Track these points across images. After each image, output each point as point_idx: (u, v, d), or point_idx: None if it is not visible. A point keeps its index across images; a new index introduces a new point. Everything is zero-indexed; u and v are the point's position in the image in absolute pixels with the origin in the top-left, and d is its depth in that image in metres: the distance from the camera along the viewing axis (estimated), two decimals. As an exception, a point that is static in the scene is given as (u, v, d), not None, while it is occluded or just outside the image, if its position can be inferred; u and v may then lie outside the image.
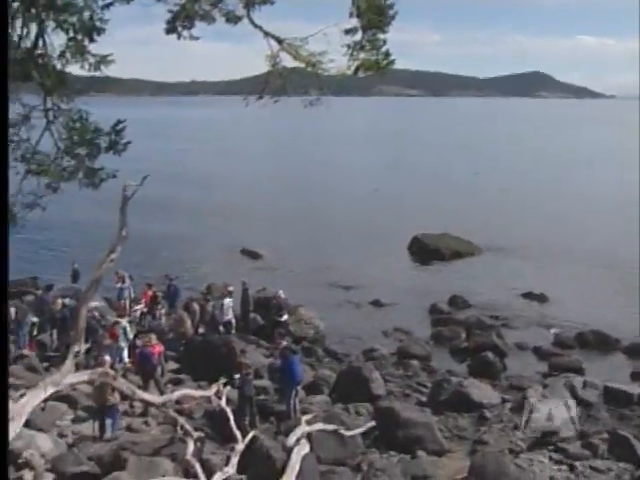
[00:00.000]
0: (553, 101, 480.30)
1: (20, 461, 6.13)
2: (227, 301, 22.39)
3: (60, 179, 10.19)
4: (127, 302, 23.81)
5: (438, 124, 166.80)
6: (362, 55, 8.94)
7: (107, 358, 15.03)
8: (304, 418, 14.33)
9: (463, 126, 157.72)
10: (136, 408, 16.17)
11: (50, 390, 10.62)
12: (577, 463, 13.88)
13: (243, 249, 36.49)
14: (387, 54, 9.01)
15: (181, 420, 13.57)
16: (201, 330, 22.43)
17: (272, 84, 9.41)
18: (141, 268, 28.91)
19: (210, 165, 74.93)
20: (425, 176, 66.21)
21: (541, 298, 28.33)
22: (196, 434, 13.09)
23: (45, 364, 19.27)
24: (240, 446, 12.72)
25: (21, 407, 9.63)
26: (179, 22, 9.20)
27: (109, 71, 9.76)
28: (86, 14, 9.13)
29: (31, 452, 5.89)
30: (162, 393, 15.79)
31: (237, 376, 15.59)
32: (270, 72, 9.35)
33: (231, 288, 23.43)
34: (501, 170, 70.51)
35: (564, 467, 13.89)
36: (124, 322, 19.95)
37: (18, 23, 9.13)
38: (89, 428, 14.96)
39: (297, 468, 11.85)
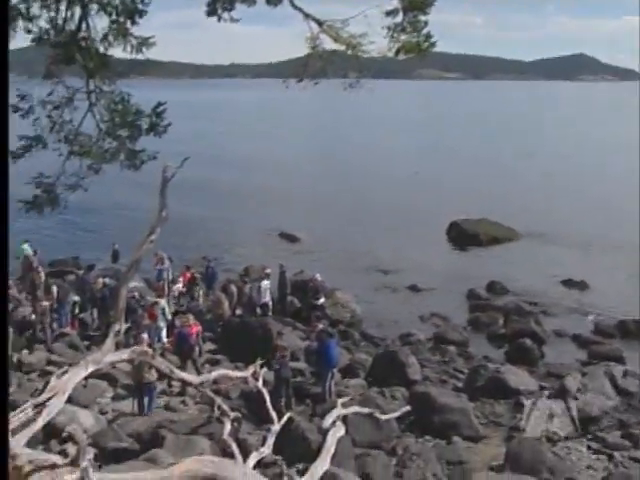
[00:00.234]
0: (598, 84, 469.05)
1: (64, 435, 6.27)
2: (264, 283, 22.50)
3: (102, 160, 10.34)
4: (166, 283, 24.10)
5: (479, 108, 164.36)
6: (403, 37, 8.83)
7: (145, 337, 15.28)
8: (340, 401, 14.38)
9: (505, 109, 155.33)
10: (174, 387, 16.42)
11: (91, 368, 10.82)
12: (616, 453, 13.73)
13: (281, 232, 36.61)
14: (428, 36, 8.89)
15: (218, 400, 13.76)
16: (238, 312, 22.60)
17: (312, 66, 9.37)
18: (180, 250, 29.19)
19: (250, 148, 75.06)
20: (466, 160, 65.45)
21: (581, 285, 27.89)
22: (233, 414, 13.23)
23: (86, 342, 19.68)
24: (276, 427, 12.80)
25: (64, 383, 9.83)
26: (220, 4, 9.22)
27: (150, 54, 9.84)
28: (128, -3, 9.21)
29: (74, 427, 6.01)
30: (199, 373, 16.01)
31: (276, 357, 15.68)
32: (310, 54, 9.30)
33: (268, 270, 23.55)
34: (544, 154, 69.27)
35: (602, 457, 13.74)
36: (163, 302, 20.24)
37: (62, 6, 9.24)
38: (128, 406, 15.26)
39: (332, 450, 11.90)
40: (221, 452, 11.73)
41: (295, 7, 9.13)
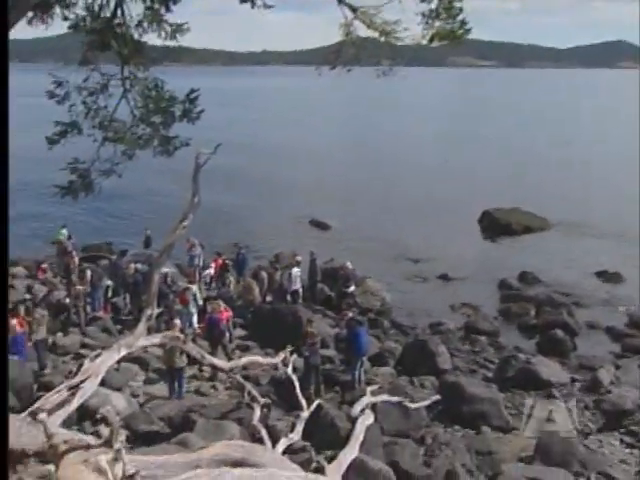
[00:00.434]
0: (638, 71, 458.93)
1: (97, 417, 6.38)
2: (295, 271, 22.56)
3: (135, 146, 10.44)
4: (197, 269, 24.30)
5: (514, 96, 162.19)
6: (437, 24, 8.71)
7: (177, 322, 15.43)
8: (369, 389, 14.41)
9: (540, 98, 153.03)
10: (205, 372, 16.59)
11: (124, 351, 10.98)
12: (650, 447, 13.54)
13: (312, 220, 36.63)
14: (463, 23, 8.75)
15: (248, 386, 13.86)
16: (269, 298, 22.71)
17: (345, 54, 9.31)
18: (210, 237, 29.36)
19: (282, 135, 75.04)
20: (499, 148, 64.74)
21: (616, 277, 27.40)
22: (263, 400, 13.32)
23: (118, 326, 19.95)
24: (305, 414, 12.88)
25: (97, 366, 10.00)
26: (254, -10, 9.20)
27: (182, 41, 9.90)
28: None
29: (108, 408, 6.11)
30: (229, 359, 16.15)
31: (307, 344, 15.73)
32: (343, 41, 9.23)
33: (299, 258, 23.61)
34: (581, 143, 68.17)
35: (636, 451, 13.56)
36: (194, 288, 20.39)
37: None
38: (159, 389, 15.47)
39: (361, 438, 11.94)
40: (250, 437, 11.84)
41: (329, -7, 9.07)
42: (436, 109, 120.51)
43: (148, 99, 10.23)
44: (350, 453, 11.12)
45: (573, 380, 17.16)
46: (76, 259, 22.76)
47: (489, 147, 65.88)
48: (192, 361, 14.81)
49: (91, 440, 6.29)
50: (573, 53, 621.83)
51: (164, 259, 13.26)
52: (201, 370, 16.57)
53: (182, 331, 15.25)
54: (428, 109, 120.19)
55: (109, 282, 21.69)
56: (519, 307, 23.88)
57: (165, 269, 18.83)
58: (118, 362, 12.34)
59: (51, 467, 6.52)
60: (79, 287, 19.85)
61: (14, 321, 15.45)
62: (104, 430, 6.20)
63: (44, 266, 25.21)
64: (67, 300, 19.82)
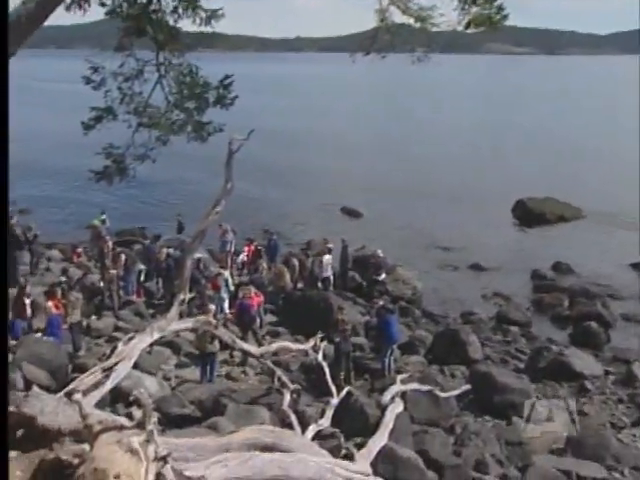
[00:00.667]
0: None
1: (130, 399, 6.48)
2: (326, 258, 22.58)
3: (170, 132, 10.50)
4: (229, 255, 24.44)
5: (550, 84, 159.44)
6: (474, 9, 8.57)
7: (211, 307, 15.56)
8: (399, 377, 14.38)
9: (578, 86, 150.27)
10: (235, 358, 16.72)
11: (156, 335, 11.12)
12: (684, 443, 13.32)
13: (343, 207, 36.58)
14: (500, 8, 8.61)
15: (278, 371, 13.94)
16: (300, 285, 22.77)
17: (380, 40, 9.22)
18: (242, 224, 29.47)
19: (314, 122, 74.83)
20: (534, 137, 63.75)
21: (652, 269, 26.96)
22: (293, 386, 13.38)
23: (151, 311, 20.18)
24: (335, 400, 12.90)
25: (130, 349, 10.15)
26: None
27: (216, 27, 9.90)
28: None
29: (141, 390, 6.20)
30: (260, 344, 16.23)
31: (338, 331, 15.74)
32: (378, 27, 9.14)
33: (330, 245, 23.60)
34: (618, 133, 66.79)
35: (670, 446, 13.36)
36: (226, 274, 20.52)
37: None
38: (191, 373, 15.63)
39: (391, 426, 11.92)
40: (280, 423, 11.91)
41: (365, -21, 8.99)
42: (471, 96, 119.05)
43: (182, 85, 10.28)
44: (379, 440, 11.11)
45: (607, 373, 16.95)
46: (110, 243, 23.05)
47: (523, 135, 64.94)
48: (223, 346, 14.93)
49: (124, 421, 6.38)
50: (612, 39, 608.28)
51: (197, 245, 13.35)
52: (232, 355, 16.69)
53: (214, 316, 15.38)
54: (462, 96, 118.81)
55: (142, 266, 21.93)
56: (552, 298, 23.59)
57: (198, 255, 18.96)
58: (151, 345, 12.50)
59: (86, 446, 6.64)
60: (112, 271, 20.09)
61: (50, 303, 15.74)
62: (137, 412, 6.29)
63: (79, 250, 25.58)
64: (101, 284, 20.10)
